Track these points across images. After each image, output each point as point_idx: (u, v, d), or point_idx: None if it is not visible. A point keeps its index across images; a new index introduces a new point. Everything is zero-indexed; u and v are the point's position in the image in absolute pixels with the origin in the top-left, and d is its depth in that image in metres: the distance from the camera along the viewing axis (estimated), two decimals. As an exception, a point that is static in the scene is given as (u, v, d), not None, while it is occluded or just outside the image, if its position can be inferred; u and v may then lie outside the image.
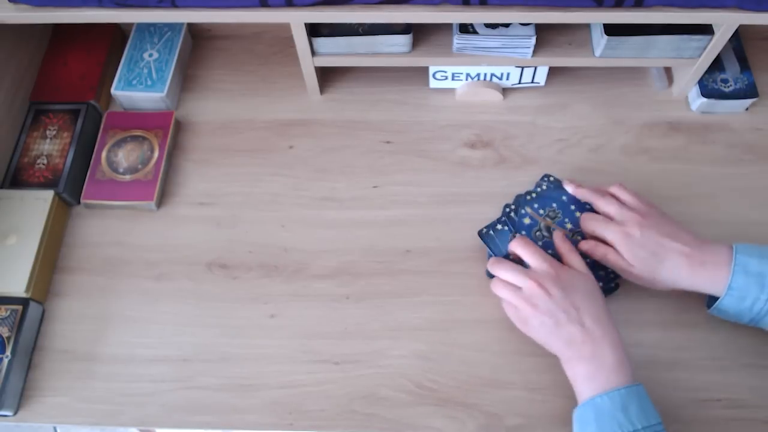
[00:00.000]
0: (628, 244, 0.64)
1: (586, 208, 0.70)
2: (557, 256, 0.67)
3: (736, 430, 0.64)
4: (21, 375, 0.68)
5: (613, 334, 0.61)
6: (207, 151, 0.82)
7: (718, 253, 0.62)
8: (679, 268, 0.63)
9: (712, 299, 0.65)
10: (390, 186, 0.78)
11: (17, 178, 0.77)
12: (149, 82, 0.82)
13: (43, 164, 0.78)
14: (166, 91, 0.81)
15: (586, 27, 0.80)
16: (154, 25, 0.86)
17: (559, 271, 0.63)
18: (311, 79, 0.82)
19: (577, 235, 0.69)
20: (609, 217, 0.67)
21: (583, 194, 0.70)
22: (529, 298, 0.63)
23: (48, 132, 0.80)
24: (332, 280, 0.73)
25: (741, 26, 0.72)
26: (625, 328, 0.64)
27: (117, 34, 0.88)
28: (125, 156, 0.79)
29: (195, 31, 0.90)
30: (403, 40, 0.77)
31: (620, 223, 0.65)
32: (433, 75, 0.82)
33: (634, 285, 0.66)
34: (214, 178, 0.80)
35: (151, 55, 0.84)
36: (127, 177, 0.78)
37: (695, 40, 0.75)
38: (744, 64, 0.82)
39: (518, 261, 0.67)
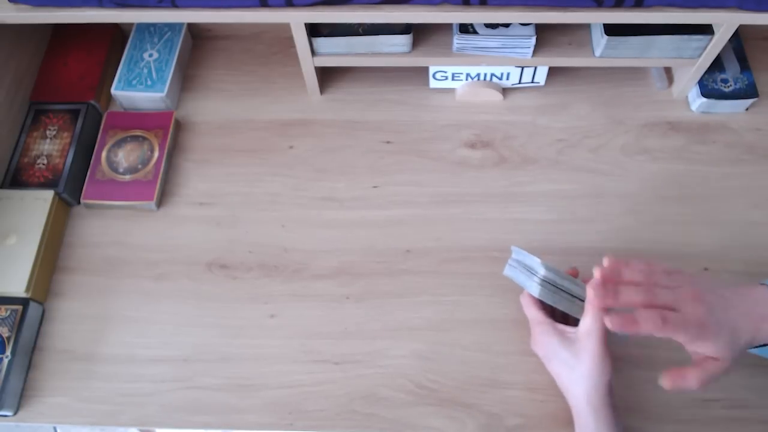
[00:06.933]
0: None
1: None
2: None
3: (736, 430, 0.64)
4: (21, 375, 0.68)
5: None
6: (207, 151, 0.82)
7: (765, 300, 0.57)
8: (747, 333, 0.55)
9: None
10: (390, 186, 0.78)
11: (17, 178, 0.77)
12: (149, 82, 0.82)
13: (43, 164, 0.78)
14: (166, 91, 0.81)
15: (586, 27, 0.80)
16: (154, 25, 0.86)
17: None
18: (311, 79, 0.82)
19: None
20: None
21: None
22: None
23: (48, 132, 0.80)
24: (332, 280, 0.73)
25: (741, 26, 0.72)
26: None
27: (117, 34, 0.88)
28: (125, 156, 0.79)
29: (195, 31, 0.90)
30: (403, 40, 0.77)
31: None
32: (433, 75, 0.82)
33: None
34: (214, 178, 0.80)
35: (151, 55, 0.84)
36: (127, 177, 0.78)
37: (695, 40, 0.75)
38: (744, 64, 0.82)
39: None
